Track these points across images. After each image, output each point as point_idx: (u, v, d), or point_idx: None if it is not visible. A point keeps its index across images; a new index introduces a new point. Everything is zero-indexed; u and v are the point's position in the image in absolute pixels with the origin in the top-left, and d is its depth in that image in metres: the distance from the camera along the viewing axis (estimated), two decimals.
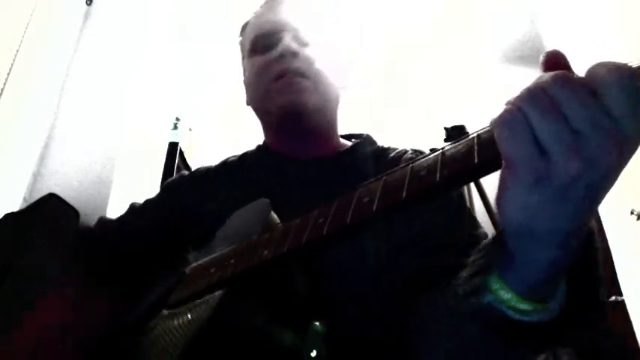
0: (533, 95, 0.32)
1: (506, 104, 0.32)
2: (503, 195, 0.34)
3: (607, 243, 1.66)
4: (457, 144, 0.38)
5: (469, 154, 0.35)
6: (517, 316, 0.38)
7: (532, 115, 0.31)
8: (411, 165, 0.40)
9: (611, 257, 1.63)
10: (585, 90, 0.30)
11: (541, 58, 0.34)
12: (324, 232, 0.43)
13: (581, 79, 0.31)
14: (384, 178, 0.42)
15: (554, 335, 0.39)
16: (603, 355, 1.90)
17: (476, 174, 0.36)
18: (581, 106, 0.30)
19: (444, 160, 0.37)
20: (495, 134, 0.32)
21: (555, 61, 0.33)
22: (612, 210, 1.59)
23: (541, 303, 0.37)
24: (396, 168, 0.42)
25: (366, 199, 0.41)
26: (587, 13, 1.68)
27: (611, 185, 0.32)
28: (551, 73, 0.31)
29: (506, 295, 0.37)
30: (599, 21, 1.60)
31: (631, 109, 0.29)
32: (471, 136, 0.37)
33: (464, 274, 0.43)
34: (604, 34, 1.54)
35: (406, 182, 0.39)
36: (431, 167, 0.38)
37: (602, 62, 0.31)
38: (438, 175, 0.36)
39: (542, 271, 0.35)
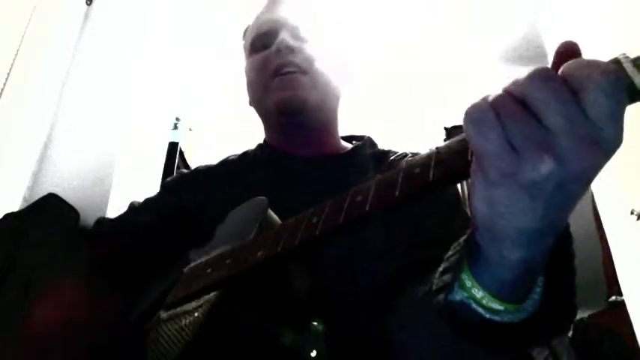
0: (508, 93, 0.31)
1: (480, 100, 0.32)
2: (472, 188, 0.33)
3: (607, 243, 1.66)
4: (452, 142, 0.38)
5: (463, 152, 0.35)
6: (488, 315, 0.37)
7: (503, 114, 0.30)
8: (404, 163, 0.40)
9: (611, 257, 1.63)
10: (564, 89, 0.29)
11: (557, 47, 0.33)
12: (318, 232, 0.43)
13: (562, 77, 0.29)
14: (377, 177, 0.42)
15: (524, 338, 0.38)
16: (603, 355, 1.90)
17: (470, 172, 0.36)
18: (557, 106, 0.28)
19: (438, 158, 0.37)
20: (464, 129, 0.32)
21: (567, 53, 0.32)
22: (612, 210, 1.59)
23: (513, 304, 0.37)
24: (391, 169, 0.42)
25: (359, 199, 0.41)
26: (587, 13, 1.68)
27: (586, 188, 0.31)
28: (531, 70, 0.30)
29: (478, 293, 0.37)
30: (600, 21, 1.60)
31: (611, 113, 0.28)
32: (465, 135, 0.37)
33: (438, 270, 0.42)
34: (604, 34, 1.54)
35: (399, 181, 0.39)
36: (424, 165, 0.38)
37: (587, 60, 0.30)
38: (431, 173, 0.36)
39: (512, 270, 0.35)
